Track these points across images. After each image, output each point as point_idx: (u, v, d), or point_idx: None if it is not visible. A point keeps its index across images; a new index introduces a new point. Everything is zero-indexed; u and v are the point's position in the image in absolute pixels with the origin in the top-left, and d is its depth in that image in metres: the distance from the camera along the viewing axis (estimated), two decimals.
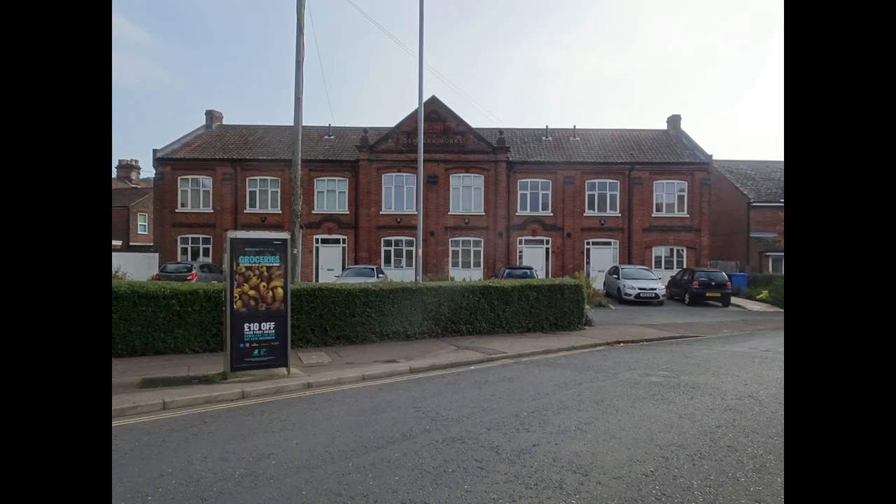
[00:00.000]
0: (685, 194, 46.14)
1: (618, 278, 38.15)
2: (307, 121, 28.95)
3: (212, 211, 45.84)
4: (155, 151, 46.21)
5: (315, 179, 45.73)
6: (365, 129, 47.33)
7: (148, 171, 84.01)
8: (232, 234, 13.79)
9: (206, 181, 46.14)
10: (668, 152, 47.76)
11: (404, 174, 45.38)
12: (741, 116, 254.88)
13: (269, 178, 45.99)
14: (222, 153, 46.79)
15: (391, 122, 50.99)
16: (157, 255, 44.98)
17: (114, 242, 54.20)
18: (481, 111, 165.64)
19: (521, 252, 46.12)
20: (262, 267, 13.79)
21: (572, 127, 51.69)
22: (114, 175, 71.12)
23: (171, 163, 45.88)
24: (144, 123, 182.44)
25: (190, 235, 45.87)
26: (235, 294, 13.54)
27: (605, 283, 41.78)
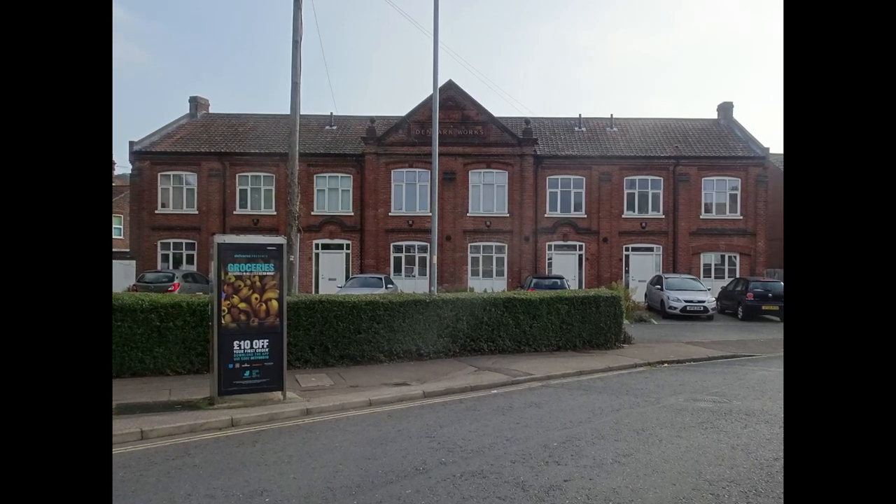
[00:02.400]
0: (738, 193, 45.99)
1: (661, 289, 38.07)
2: (306, 109, 28.94)
3: (197, 212, 45.97)
4: (131, 144, 46.32)
5: (315, 176, 45.85)
6: (372, 119, 47.33)
7: (123, 166, 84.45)
8: (220, 238, 13.82)
9: (191, 178, 46.30)
10: (719, 145, 47.68)
11: (417, 170, 45.45)
12: None
13: (262, 174, 46.14)
14: (209, 146, 46.96)
15: (402, 110, 51.17)
16: (133, 262, 45.02)
17: None
18: (505, 98, 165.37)
19: (550, 259, 46.10)
20: (254, 276, 13.83)
21: (609, 116, 51.59)
22: None
23: (150, 157, 46.03)
24: (120, 112, 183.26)
25: (171, 240, 45.98)
26: (224, 307, 13.57)
27: (646, 295, 41.67)
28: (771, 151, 46.75)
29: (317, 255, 45.80)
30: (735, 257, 46.03)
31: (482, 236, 45.56)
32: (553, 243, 46.00)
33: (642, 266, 45.93)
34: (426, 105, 43.95)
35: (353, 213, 45.82)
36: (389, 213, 45.47)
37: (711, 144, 47.65)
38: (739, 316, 36.82)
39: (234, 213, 45.87)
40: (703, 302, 36.15)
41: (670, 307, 36.28)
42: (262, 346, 13.90)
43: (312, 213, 45.03)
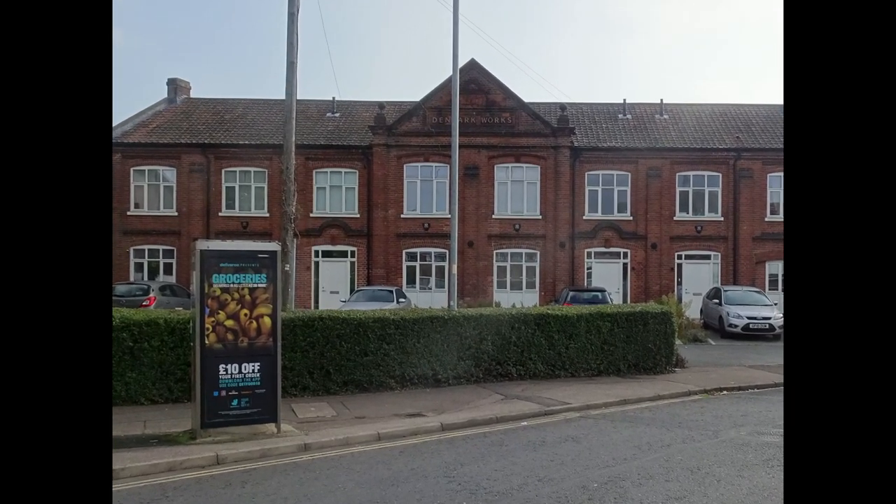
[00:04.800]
0: None
1: (719, 304, 37.86)
2: (304, 93, 28.90)
3: (176, 213, 45.98)
4: None
5: (314, 171, 45.91)
6: (381, 105, 47.05)
7: None
8: (203, 244, 13.86)
9: (169, 174, 46.38)
10: None
11: (434, 164, 45.47)
12: None
13: (252, 169, 46.22)
14: (190, 136, 46.98)
15: (416, 95, 51.06)
16: None
17: None
18: (537, 80, 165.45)
19: (589, 268, 46.00)
20: (242, 289, 13.83)
21: (658, 101, 51.33)
22: None
23: (122, 149, 45.81)
24: None
25: (146, 246, 45.98)
26: (207, 325, 13.58)
27: (702, 311, 41.54)
28: None
29: (316, 263, 45.85)
30: None
31: (510, 242, 45.53)
32: (593, 250, 45.89)
33: (697, 277, 45.76)
34: (444, 88, 43.71)
35: (358, 215, 45.82)
36: (401, 215, 45.49)
37: (778, 134, 47.10)
38: None
39: (220, 214, 45.96)
40: (769, 319, 35.92)
41: (730, 325, 36.08)
42: (253, 371, 13.90)
43: (311, 215, 44.98)
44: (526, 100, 46.31)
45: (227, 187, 46.20)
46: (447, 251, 34.33)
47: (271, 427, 14.11)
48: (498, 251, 45.47)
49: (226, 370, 13.65)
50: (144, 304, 33.53)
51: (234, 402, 13.74)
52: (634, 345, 22.89)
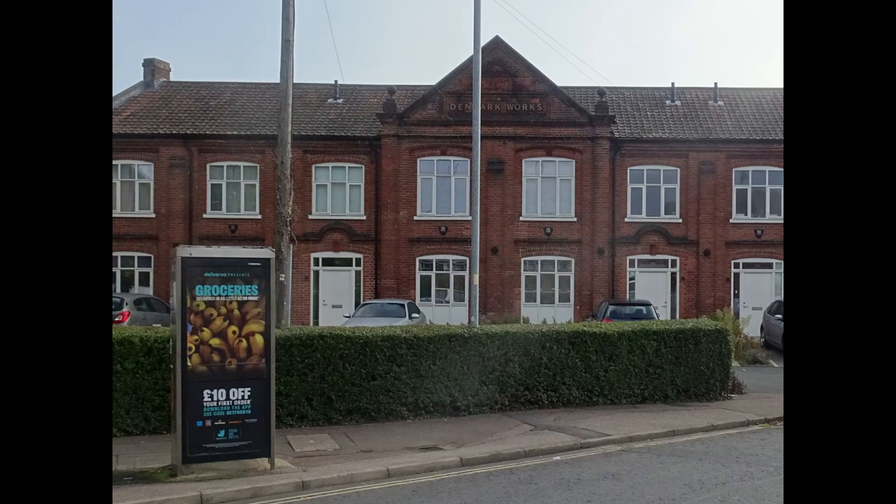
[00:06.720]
0: None
1: (783, 320, 37.53)
2: (302, 76, 28.98)
3: (153, 215, 45.97)
4: None
5: (314, 166, 45.94)
6: (391, 89, 46.79)
7: None
8: (184, 250, 13.86)
9: (145, 169, 46.43)
10: None
11: (452, 158, 45.47)
12: None
13: (241, 164, 46.26)
14: (169, 126, 47.02)
15: (431, 78, 50.97)
16: None
17: None
18: (571, 61, 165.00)
19: (632, 279, 45.99)
20: (230, 302, 13.83)
21: (712, 85, 51.13)
22: None
23: None
24: None
25: (119, 253, 45.58)
26: (190, 344, 13.57)
27: (762, 328, 41.32)
28: None
29: (316, 273, 45.88)
30: None
31: (540, 248, 45.53)
32: (636, 257, 45.89)
33: (757, 288, 45.59)
34: (464, 70, 43.52)
35: (364, 217, 45.86)
36: (415, 217, 45.52)
37: None
38: None
39: (204, 216, 45.95)
40: None
41: None
42: (242, 397, 13.89)
43: (310, 217, 45.17)
44: (559, 84, 46.28)
45: (212, 185, 46.19)
46: (467, 259, 34.40)
47: (264, 462, 14.11)
48: (526, 259, 45.47)
49: (211, 396, 13.64)
50: (117, 319, 33.41)
51: (221, 434, 13.74)
52: (684, 367, 22.81)
